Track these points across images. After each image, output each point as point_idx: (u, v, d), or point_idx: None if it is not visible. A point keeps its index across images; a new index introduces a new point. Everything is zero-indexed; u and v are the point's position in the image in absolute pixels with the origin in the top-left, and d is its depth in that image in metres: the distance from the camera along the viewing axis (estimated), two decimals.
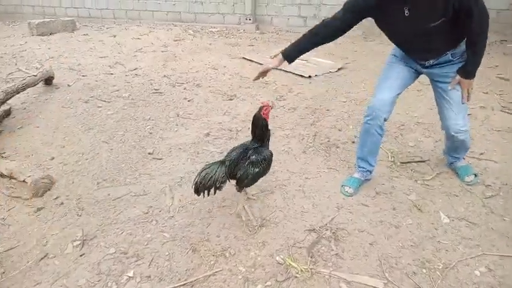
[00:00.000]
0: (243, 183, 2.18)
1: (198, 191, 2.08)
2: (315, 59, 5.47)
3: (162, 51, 5.91)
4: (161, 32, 7.13)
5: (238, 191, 2.28)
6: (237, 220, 2.28)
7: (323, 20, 2.24)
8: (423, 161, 2.84)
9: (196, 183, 2.07)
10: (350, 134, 3.28)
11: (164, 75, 4.80)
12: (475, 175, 2.57)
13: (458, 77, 2.16)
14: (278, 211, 2.34)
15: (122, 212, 2.38)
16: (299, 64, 5.24)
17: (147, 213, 2.35)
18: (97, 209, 2.42)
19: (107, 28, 7.83)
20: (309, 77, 4.76)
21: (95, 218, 2.34)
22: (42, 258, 2.05)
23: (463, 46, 2.13)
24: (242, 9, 7.41)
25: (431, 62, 2.22)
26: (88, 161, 2.97)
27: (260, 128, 2.18)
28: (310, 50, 2.31)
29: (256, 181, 2.23)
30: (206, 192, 2.09)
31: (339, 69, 5.07)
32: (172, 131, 3.39)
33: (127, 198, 2.51)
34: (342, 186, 2.55)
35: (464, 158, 2.65)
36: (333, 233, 2.15)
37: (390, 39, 2.29)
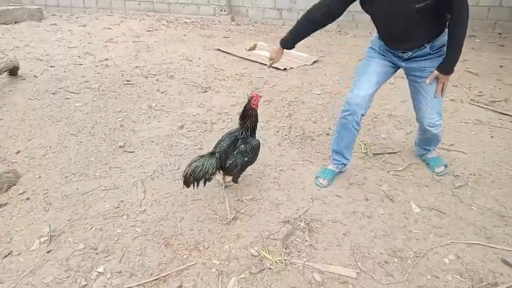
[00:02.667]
0: (231, 173, 2.26)
1: (187, 183, 2.09)
2: (291, 52, 5.45)
3: (134, 42, 5.76)
4: (133, 22, 6.94)
5: (233, 181, 2.36)
6: (211, 213, 2.24)
7: (315, 6, 2.20)
8: (395, 153, 2.89)
9: (186, 175, 2.07)
10: (324, 127, 3.30)
11: (136, 66, 4.68)
12: (445, 166, 2.64)
13: (436, 72, 2.17)
14: (253, 203, 2.33)
15: (92, 206, 2.30)
16: None
17: (118, 207, 2.29)
18: (65, 204, 2.33)
19: (76, 18, 7.55)
20: (285, 69, 4.75)
21: (63, 213, 2.25)
22: (6, 256, 1.95)
23: (441, 39, 2.14)
24: (217, 0, 7.30)
25: (410, 54, 2.22)
26: (56, 154, 2.86)
27: (251, 119, 2.27)
28: (307, 36, 2.33)
29: (244, 170, 2.32)
30: (196, 184, 2.10)
31: (314, 62, 5.08)
32: (145, 124, 3.30)
33: (96, 192, 2.43)
34: (316, 177, 2.56)
35: (434, 150, 2.72)
36: (307, 224, 2.16)
37: (374, 23, 2.26)
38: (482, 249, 2.00)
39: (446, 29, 2.10)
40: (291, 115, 3.51)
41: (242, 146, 2.23)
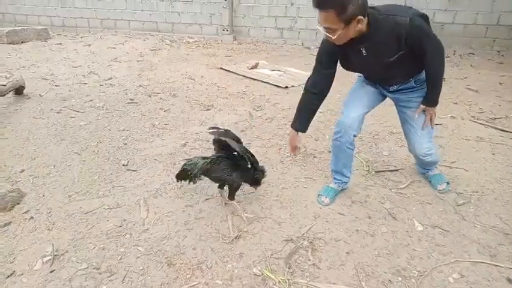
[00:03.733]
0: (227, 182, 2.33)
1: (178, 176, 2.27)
2: (292, 70, 5.55)
3: (138, 61, 5.85)
4: (137, 42, 7.07)
5: (229, 198, 2.40)
6: (214, 232, 2.24)
7: (306, 88, 2.31)
8: (397, 170, 2.90)
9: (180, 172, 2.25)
10: (326, 144, 3.32)
11: (140, 85, 4.74)
12: (447, 183, 2.64)
13: (422, 106, 2.23)
14: (255, 222, 2.33)
15: (95, 225, 2.31)
16: (276, 75, 5.30)
17: (121, 226, 2.29)
18: (69, 223, 2.33)
19: (81, 37, 7.70)
20: (286, 87, 4.81)
21: (66, 233, 2.26)
22: (9, 276, 1.95)
23: (424, 74, 2.19)
24: (219, 20, 7.45)
25: (395, 87, 2.28)
26: (60, 173, 2.88)
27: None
28: (315, 114, 2.37)
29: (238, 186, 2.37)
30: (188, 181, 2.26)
31: None
32: (148, 142, 3.33)
33: (99, 211, 2.44)
34: (318, 195, 2.56)
35: (436, 167, 2.73)
36: (310, 242, 2.15)
37: (353, 72, 2.32)
38: (487, 268, 1.98)
39: None
40: None
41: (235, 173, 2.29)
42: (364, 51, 2.04)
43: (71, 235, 2.23)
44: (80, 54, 6.28)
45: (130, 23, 8.18)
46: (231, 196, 2.39)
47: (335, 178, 2.58)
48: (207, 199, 2.53)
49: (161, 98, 4.33)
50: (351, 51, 2.07)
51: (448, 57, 6.18)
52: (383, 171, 2.90)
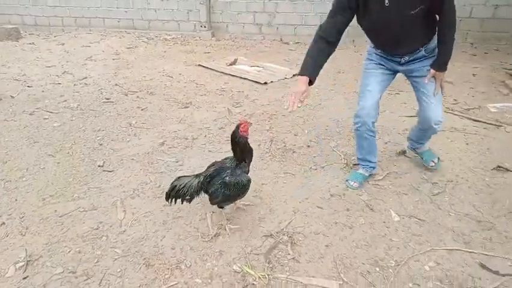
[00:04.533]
0: (214, 201, 2.14)
1: (167, 199, 2.13)
2: (271, 66, 5.54)
3: (114, 59, 5.74)
4: (113, 40, 6.92)
5: (218, 206, 2.21)
6: (193, 230, 2.22)
7: (319, 32, 2.24)
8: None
9: (168, 192, 2.11)
10: (305, 139, 3.33)
11: (116, 84, 4.65)
12: (438, 158, 2.79)
13: (432, 71, 2.29)
14: (235, 219, 2.32)
15: (70, 229, 2.25)
16: (255, 71, 5.29)
17: (97, 229, 2.24)
18: (43, 227, 2.27)
19: (55, 36, 7.49)
20: (265, 83, 4.80)
21: (40, 237, 2.19)
22: None
23: (434, 42, 2.27)
24: (197, 16, 7.37)
25: (407, 58, 2.34)
26: (33, 176, 2.79)
27: (239, 147, 2.08)
28: (324, 64, 2.30)
29: (229, 202, 2.18)
30: (174, 201, 2.13)
31: (294, 75, 5.15)
32: (124, 142, 3.27)
33: (75, 214, 2.38)
34: (347, 180, 2.65)
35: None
36: (290, 237, 2.16)
37: (369, 34, 2.35)
38: (461, 255, 2.03)
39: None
40: (272, 128, 3.54)
41: (227, 177, 2.05)
42: (387, 1, 2.05)
43: (45, 239, 2.17)
44: (54, 53, 6.11)
45: (105, 21, 8.00)
46: (221, 207, 2.22)
47: (361, 165, 2.67)
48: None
49: (138, 97, 4.26)
50: (375, 2, 2.08)
51: None
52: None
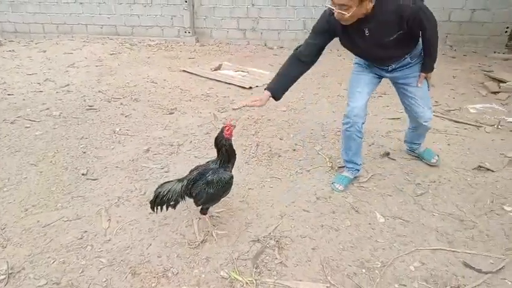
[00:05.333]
0: (198, 203, 2.13)
1: (152, 207, 2.11)
2: (256, 70, 5.56)
3: (97, 66, 5.67)
4: (96, 46, 6.84)
5: (201, 212, 2.21)
6: (179, 237, 2.21)
7: (295, 52, 2.36)
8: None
9: (151, 200, 2.10)
10: (291, 143, 3.35)
11: (99, 91, 4.59)
12: (438, 155, 2.92)
13: (422, 74, 2.42)
14: (222, 224, 2.31)
15: (54, 239, 2.21)
16: (240, 76, 5.30)
17: (81, 238, 2.20)
18: (25, 238, 2.22)
19: (36, 43, 7.36)
20: (250, 88, 4.81)
21: (23, 249, 2.14)
22: None
23: (418, 49, 2.37)
24: (181, 22, 7.34)
25: (393, 66, 2.43)
26: (15, 186, 2.73)
27: (222, 149, 2.10)
28: (296, 80, 2.42)
29: (213, 202, 2.17)
30: (160, 208, 2.11)
31: None
32: (108, 149, 3.23)
33: (58, 224, 2.33)
34: (332, 183, 2.69)
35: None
36: (277, 241, 2.16)
37: (352, 52, 2.45)
38: (445, 254, 2.07)
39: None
40: (257, 133, 3.55)
41: (210, 176, 2.07)
42: (367, 32, 2.16)
43: (28, 251, 2.13)
44: (35, 61, 6.00)
45: (88, 27, 7.91)
46: (204, 211, 2.21)
47: (347, 167, 2.73)
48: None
49: (122, 103, 4.21)
50: (355, 32, 2.18)
51: None
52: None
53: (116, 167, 2.95)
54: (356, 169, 2.73)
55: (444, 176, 2.79)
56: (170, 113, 3.98)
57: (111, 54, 6.39)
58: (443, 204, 2.49)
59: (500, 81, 4.66)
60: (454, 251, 2.08)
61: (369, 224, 2.32)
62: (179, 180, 2.14)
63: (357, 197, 2.58)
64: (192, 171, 2.20)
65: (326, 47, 2.34)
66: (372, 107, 4.15)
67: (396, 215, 2.39)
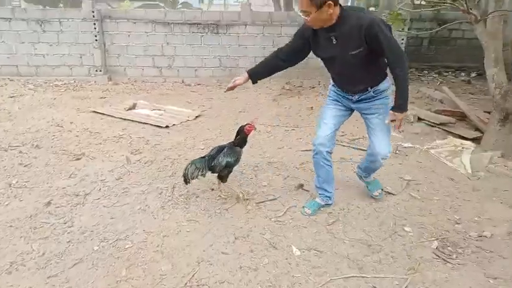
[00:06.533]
0: (216, 171, 2.84)
1: (185, 180, 2.81)
2: (172, 108, 5.49)
3: None
4: None
5: (222, 181, 2.96)
6: None
7: (276, 50, 2.66)
8: (276, 199, 3.03)
9: (183, 174, 2.81)
10: (208, 182, 3.30)
11: None
12: (382, 190, 3.02)
13: (391, 113, 2.44)
14: (134, 280, 2.14)
15: None
16: (156, 114, 5.18)
17: None
18: None
19: None
20: (167, 126, 4.72)
21: None
22: None
23: (383, 85, 2.52)
24: (91, 60, 7.04)
25: (357, 97, 2.56)
26: None
27: (241, 138, 2.90)
28: (274, 72, 2.71)
29: (228, 170, 2.88)
30: (190, 180, 2.81)
31: (196, 117, 5.18)
32: (2, 206, 2.85)
33: None
34: (303, 207, 2.86)
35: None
36: None
37: (326, 67, 2.62)
38: (357, 281, 2.17)
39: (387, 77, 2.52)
40: (174, 174, 3.45)
41: (226, 149, 2.84)
42: (334, 40, 2.34)
43: None
44: None
45: None
46: (224, 179, 2.94)
47: (319, 193, 2.86)
48: (75, 264, 2.25)
49: (20, 152, 3.81)
50: (324, 38, 2.38)
51: (314, 87, 6.91)
52: (263, 201, 3.00)
53: (10, 226, 2.60)
54: (327, 196, 2.84)
55: (352, 202, 2.97)
56: (77, 159, 3.70)
57: (11, 97, 5.83)
58: (353, 231, 2.63)
59: None
60: (363, 277, 2.18)
61: (286, 259, 2.34)
62: (201, 158, 2.89)
63: (275, 232, 2.60)
64: (210, 152, 2.93)
65: (306, 54, 2.58)
66: (286, 140, 4.34)
67: (311, 246, 2.46)
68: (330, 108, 2.74)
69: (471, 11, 3.68)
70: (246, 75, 2.66)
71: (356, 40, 2.27)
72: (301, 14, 2.28)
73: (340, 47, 2.35)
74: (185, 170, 2.80)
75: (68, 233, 2.53)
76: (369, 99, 2.58)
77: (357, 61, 2.35)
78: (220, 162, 2.79)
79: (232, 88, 2.72)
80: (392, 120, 2.49)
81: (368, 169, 2.98)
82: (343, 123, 2.80)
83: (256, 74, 2.69)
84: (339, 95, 2.69)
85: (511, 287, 2.14)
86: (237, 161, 2.87)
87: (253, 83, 2.72)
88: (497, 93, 3.72)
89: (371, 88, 2.53)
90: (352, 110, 2.77)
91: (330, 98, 2.76)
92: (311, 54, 2.58)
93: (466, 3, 3.66)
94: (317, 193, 2.90)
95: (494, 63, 3.69)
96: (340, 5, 2.27)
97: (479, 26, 3.72)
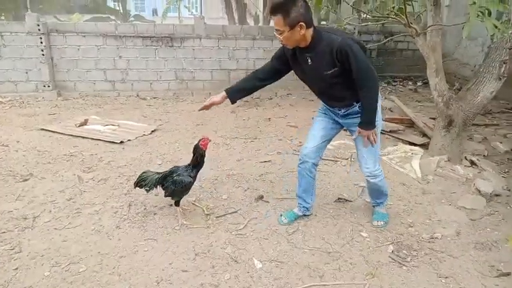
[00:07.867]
0: (165, 195, 2.85)
1: (135, 186, 2.93)
2: (127, 123, 5.33)
3: None
4: None
5: (174, 204, 2.90)
6: None
7: (255, 70, 2.69)
8: (236, 211, 3.01)
9: (135, 182, 2.91)
10: (167, 198, 3.22)
11: None
12: (384, 222, 2.85)
13: (358, 129, 2.45)
14: None
15: None
16: (109, 130, 5.00)
17: None
18: None
19: None
20: (121, 142, 4.56)
21: None
22: None
23: None
24: (38, 76, 6.68)
25: (343, 111, 2.55)
26: None
27: (196, 157, 2.79)
28: (253, 91, 2.73)
29: (177, 196, 2.84)
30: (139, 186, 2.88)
31: (153, 131, 5.06)
32: None
33: None
34: (280, 215, 2.90)
35: (384, 205, 2.95)
36: None
37: (305, 83, 2.61)
38: None
39: None
40: (130, 191, 3.33)
41: (176, 176, 2.75)
42: (309, 60, 2.36)
43: None
44: None
45: None
46: (176, 203, 2.87)
47: (298, 203, 2.89)
48: None
49: None
50: (301, 58, 2.40)
51: (271, 98, 7.02)
52: (224, 215, 2.97)
53: None
54: (304, 207, 2.86)
55: (311, 211, 3.02)
56: (25, 180, 3.47)
57: None
58: (312, 240, 2.67)
59: None
60: (324, 285, 2.22)
61: (248, 272, 2.33)
62: (158, 173, 2.87)
63: (236, 246, 2.58)
64: (170, 169, 2.87)
65: (284, 73, 2.62)
66: (245, 151, 4.35)
67: (272, 257, 2.47)
68: (319, 121, 2.76)
69: (412, 25, 3.94)
70: (224, 93, 2.59)
71: (329, 61, 2.30)
72: (275, 32, 2.31)
73: (315, 67, 2.39)
74: (139, 177, 2.87)
75: (15, 259, 2.35)
76: (355, 114, 2.55)
77: (334, 80, 2.38)
78: (167, 188, 2.77)
79: (207, 107, 2.63)
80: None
81: (372, 195, 2.92)
82: (334, 137, 2.80)
83: (235, 93, 2.62)
84: (327, 108, 2.71)
85: (460, 285, 2.27)
86: (183, 192, 2.80)
87: (232, 102, 2.64)
88: (440, 101, 3.98)
89: (356, 103, 2.48)
90: (340, 124, 2.75)
91: (320, 111, 2.79)
92: None
93: (406, 18, 3.91)
94: (297, 202, 2.91)
95: (435, 73, 3.95)
96: (314, 26, 2.29)
97: (420, 39, 3.98)
